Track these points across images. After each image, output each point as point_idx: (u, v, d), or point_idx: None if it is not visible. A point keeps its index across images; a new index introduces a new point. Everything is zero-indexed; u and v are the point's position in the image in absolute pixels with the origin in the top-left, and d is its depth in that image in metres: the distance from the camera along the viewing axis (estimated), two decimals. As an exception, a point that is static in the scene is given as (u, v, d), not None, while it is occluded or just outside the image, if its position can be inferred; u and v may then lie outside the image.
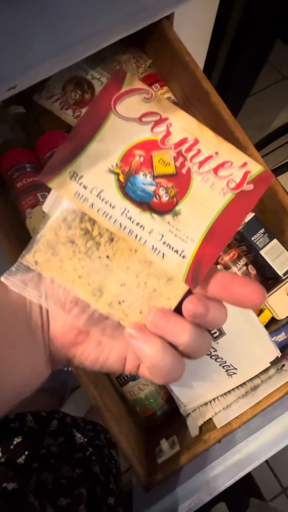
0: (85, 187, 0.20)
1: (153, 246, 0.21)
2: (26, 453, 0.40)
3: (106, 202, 0.20)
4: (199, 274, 0.20)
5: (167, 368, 0.19)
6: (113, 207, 0.21)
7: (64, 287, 0.21)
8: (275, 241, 0.45)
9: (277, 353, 0.40)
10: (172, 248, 0.21)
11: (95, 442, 0.49)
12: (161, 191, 0.21)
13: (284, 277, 0.44)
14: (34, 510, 0.35)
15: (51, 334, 0.22)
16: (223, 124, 0.42)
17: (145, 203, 0.21)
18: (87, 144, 0.21)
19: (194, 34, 0.48)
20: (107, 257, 0.21)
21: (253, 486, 0.77)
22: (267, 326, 0.44)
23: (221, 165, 0.21)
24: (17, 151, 0.43)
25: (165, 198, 0.21)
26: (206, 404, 0.39)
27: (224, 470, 0.35)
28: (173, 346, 0.19)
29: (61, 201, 0.20)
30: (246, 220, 0.44)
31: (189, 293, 0.20)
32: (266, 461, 1.02)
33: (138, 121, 0.21)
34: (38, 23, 0.34)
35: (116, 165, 0.20)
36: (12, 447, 0.40)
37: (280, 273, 0.44)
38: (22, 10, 0.33)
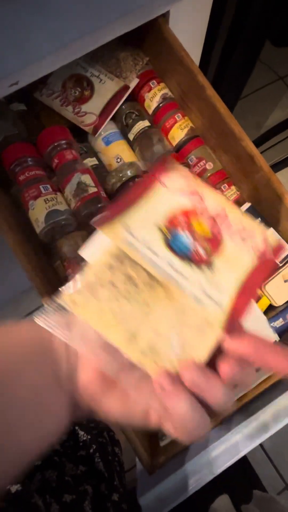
0: (135, 237, 0.23)
1: (193, 293, 0.23)
2: None
3: (153, 252, 0.23)
4: (235, 322, 0.22)
5: (196, 425, 0.18)
6: (159, 257, 0.23)
7: (98, 331, 0.20)
8: (271, 230, 0.46)
9: (275, 337, 0.41)
10: (210, 297, 0.23)
11: (99, 440, 0.49)
12: (198, 248, 0.24)
13: (281, 264, 0.45)
14: (38, 511, 0.35)
15: (78, 381, 0.20)
16: (218, 116, 0.43)
17: (186, 256, 0.24)
18: (138, 203, 0.25)
19: (189, 31, 0.50)
20: (146, 304, 0.23)
21: (256, 480, 0.77)
22: (265, 312, 0.45)
23: (248, 235, 0.25)
24: (19, 145, 0.44)
25: (201, 254, 0.24)
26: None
27: (225, 450, 0.36)
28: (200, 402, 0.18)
29: (105, 247, 0.23)
30: (244, 209, 0.45)
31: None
32: (269, 458, 1.02)
33: (180, 193, 0.26)
34: (38, 20, 0.35)
35: (163, 223, 0.24)
36: None
37: (277, 262, 0.45)
38: (22, 8, 0.35)
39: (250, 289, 0.24)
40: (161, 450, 0.36)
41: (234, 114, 0.43)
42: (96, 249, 0.23)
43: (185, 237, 0.24)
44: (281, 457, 1.03)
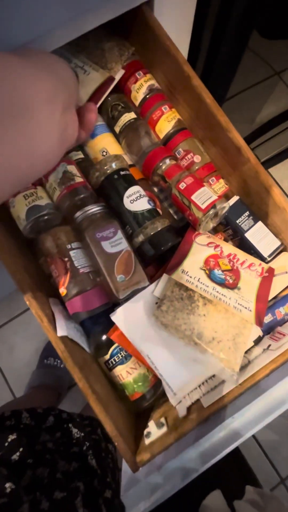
0: (190, 276, 0.40)
1: (234, 306, 0.39)
2: (21, 449, 0.40)
3: (202, 283, 0.39)
4: (261, 318, 0.38)
5: None
6: (207, 286, 0.39)
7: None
8: (259, 223, 0.45)
9: (259, 332, 0.40)
10: (243, 306, 0.39)
11: (92, 437, 0.49)
12: (228, 278, 0.41)
13: (269, 259, 0.44)
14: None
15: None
16: (205, 107, 0.42)
17: (223, 284, 0.40)
18: (186, 256, 0.42)
19: (175, 19, 0.49)
20: (204, 315, 0.39)
21: (250, 475, 0.77)
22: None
23: (250, 265, 0.43)
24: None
25: (230, 281, 0.41)
26: (195, 388, 0.39)
27: (211, 446, 0.35)
28: None
29: (172, 283, 0.41)
30: (231, 203, 0.45)
31: None
32: (264, 452, 1.02)
33: (206, 246, 0.44)
34: (13, 8, 0.34)
35: (203, 265, 0.41)
36: (6, 444, 0.40)
37: (265, 255, 0.44)
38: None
39: (263, 298, 0.41)
40: (145, 448, 0.36)
41: (229, 109, 0.42)
42: (166, 285, 0.41)
43: (218, 273, 0.41)
44: (277, 452, 1.03)
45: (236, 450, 0.80)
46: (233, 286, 0.40)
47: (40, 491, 0.37)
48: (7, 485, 0.35)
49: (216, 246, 0.43)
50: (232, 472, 0.72)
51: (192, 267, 0.40)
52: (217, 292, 0.39)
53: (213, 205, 0.39)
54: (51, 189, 0.41)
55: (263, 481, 0.85)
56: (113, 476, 0.47)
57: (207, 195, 0.39)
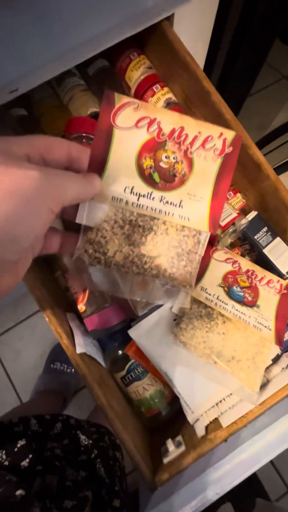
0: (209, 294, 0.39)
1: (253, 324, 0.38)
2: (30, 456, 0.39)
3: (222, 301, 0.39)
4: (281, 337, 0.38)
5: None
6: (226, 304, 0.39)
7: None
8: (278, 239, 0.44)
9: (277, 350, 0.40)
10: (263, 325, 0.38)
11: (100, 444, 0.49)
12: (247, 295, 0.40)
13: (287, 275, 0.44)
14: None
15: None
16: (224, 123, 0.42)
17: (242, 301, 0.40)
18: (204, 273, 0.42)
19: (193, 34, 0.49)
20: (223, 333, 0.38)
21: (259, 486, 0.76)
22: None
23: (269, 281, 0.41)
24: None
25: (249, 299, 0.40)
26: (213, 406, 0.39)
27: (231, 469, 0.35)
28: None
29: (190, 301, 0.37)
30: (249, 218, 0.44)
31: None
32: (271, 461, 1.01)
33: (224, 262, 0.42)
34: (38, 26, 0.34)
35: (222, 282, 0.40)
36: (16, 449, 0.40)
37: (284, 271, 0.44)
38: (22, 14, 0.34)
39: (282, 315, 0.40)
40: (164, 467, 0.36)
41: (237, 115, 0.42)
42: (184, 302, 0.34)
43: (237, 290, 0.40)
44: (284, 461, 1.02)
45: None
46: (252, 304, 0.40)
47: (49, 499, 0.37)
48: (18, 492, 0.34)
49: (234, 262, 0.42)
50: (242, 485, 0.72)
51: (210, 284, 0.40)
52: (236, 310, 0.39)
53: (232, 223, 0.39)
54: None
55: (270, 490, 0.84)
56: (121, 484, 0.46)
57: (226, 212, 0.39)
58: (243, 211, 0.48)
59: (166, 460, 0.36)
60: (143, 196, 0.28)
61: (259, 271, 0.43)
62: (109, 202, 0.27)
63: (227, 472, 0.35)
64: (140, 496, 0.39)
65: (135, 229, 0.28)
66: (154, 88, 0.49)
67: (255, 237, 0.44)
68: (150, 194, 0.28)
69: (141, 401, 0.41)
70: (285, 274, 0.44)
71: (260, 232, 0.44)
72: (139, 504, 0.38)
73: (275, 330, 0.38)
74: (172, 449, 0.36)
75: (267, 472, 1.00)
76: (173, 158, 0.28)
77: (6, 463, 0.38)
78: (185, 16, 0.44)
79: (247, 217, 0.43)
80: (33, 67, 0.35)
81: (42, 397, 0.96)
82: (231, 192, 0.48)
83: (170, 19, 0.42)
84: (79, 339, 0.38)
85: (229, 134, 0.29)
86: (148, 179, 0.28)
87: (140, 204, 0.28)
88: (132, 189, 0.27)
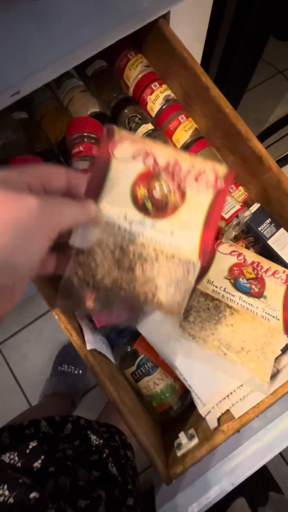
0: (216, 286, 0.39)
1: (261, 315, 0.38)
2: (42, 457, 0.39)
3: (229, 293, 0.38)
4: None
5: None
6: (233, 295, 0.38)
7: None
8: (282, 230, 0.45)
9: (287, 340, 0.40)
10: (271, 315, 0.38)
11: (111, 444, 0.49)
12: (253, 286, 0.40)
13: None
14: None
15: None
16: (224, 117, 0.43)
17: (249, 293, 0.39)
18: (210, 266, 0.41)
19: (190, 31, 0.49)
20: (232, 324, 0.38)
21: (271, 481, 0.76)
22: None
23: (274, 272, 0.41)
24: (24, 158, 0.43)
25: (256, 290, 0.40)
26: (224, 398, 0.39)
27: (245, 459, 0.35)
28: None
29: (198, 293, 0.39)
30: (252, 210, 0.45)
31: None
32: (282, 456, 1.01)
33: (229, 254, 0.42)
34: (38, 29, 0.35)
35: (228, 275, 0.40)
36: (28, 451, 0.40)
37: (289, 262, 0.44)
38: (21, 17, 0.34)
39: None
40: (178, 460, 0.36)
41: (237, 110, 0.42)
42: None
43: (243, 281, 0.40)
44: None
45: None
46: (259, 295, 0.40)
47: (63, 500, 0.37)
48: (32, 495, 0.35)
49: (239, 255, 0.43)
50: (256, 480, 0.72)
51: (216, 277, 0.40)
52: (244, 301, 0.39)
53: (236, 215, 0.39)
54: None
55: (283, 485, 0.84)
56: (134, 483, 0.46)
57: (230, 205, 0.39)
58: (246, 204, 0.48)
59: (179, 453, 0.36)
60: (136, 222, 0.28)
61: (265, 262, 0.43)
62: (103, 227, 0.28)
63: (241, 463, 0.35)
64: (155, 490, 0.39)
65: (126, 255, 0.28)
66: (152, 86, 0.49)
67: (259, 229, 0.44)
68: (143, 222, 0.28)
69: (152, 396, 0.41)
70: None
71: (264, 224, 0.45)
72: (155, 499, 0.38)
73: (284, 319, 0.38)
74: (185, 442, 0.37)
75: (279, 467, 1.00)
76: (166, 188, 0.29)
77: (19, 465, 0.38)
78: (181, 13, 0.44)
79: (250, 209, 0.43)
80: (34, 70, 0.35)
81: (50, 400, 0.96)
82: (233, 186, 0.48)
83: (166, 16, 0.43)
84: (88, 336, 0.39)
85: (221, 169, 0.30)
86: (141, 207, 0.28)
87: (132, 231, 0.28)
88: (125, 216, 0.28)
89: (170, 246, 0.29)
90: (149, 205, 0.29)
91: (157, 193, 0.29)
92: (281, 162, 1.08)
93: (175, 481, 0.34)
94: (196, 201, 0.29)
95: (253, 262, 0.43)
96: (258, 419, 0.35)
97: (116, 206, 0.29)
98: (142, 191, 0.29)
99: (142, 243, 0.29)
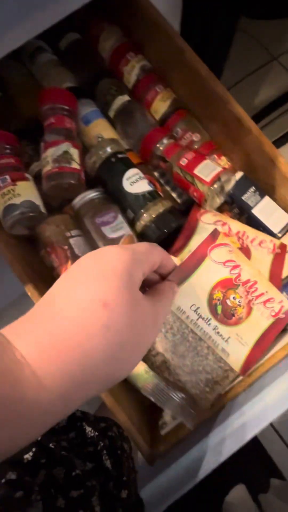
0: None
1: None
2: (34, 449, 0.38)
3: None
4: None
5: None
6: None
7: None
8: (267, 198, 0.42)
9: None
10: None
11: (108, 434, 0.47)
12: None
13: (280, 235, 0.42)
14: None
15: None
16: (201, 81, 0.40)
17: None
18: (191, 237, 0.38)
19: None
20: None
21: (273, 466, 0.74)
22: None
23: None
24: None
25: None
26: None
27: (231, 434, 0.33)
28: None
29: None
30: (237, 178, 0.42)
31: None
32: (284, 442, 0.98)
33: (213, 224, 0.40)
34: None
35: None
36: None
37: (276, 231, 0.42)
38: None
39: (276, 276, 0.37)
40: (162, 439, 0.34)
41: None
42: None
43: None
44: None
45: (258, 444, 0.77)
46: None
47: (55, 489, 0.36)
48: (17, 494, 0.33)
49: (224, 224, 0.41)
50: (256, 466, 0.69)
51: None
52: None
53: (218, 177, 0.37)
54: (45, 161, 0.39)
55: (286, 471, 0.82)
56: (129, 475, 0.45)
57: (210, 168, 0.37)
58: (230, 175, 0.46)
59: (163, 431, 0.34)
60: (202, 318, 0.33)
61: (251, 231, 0.41)
62: (175, 310, 0.32)
63: (227, 437, 0.33)
64: (138, 470, 0.37)
65: (184, 342, 0.33)
66: (128, 56, 0.47)
67: (243, 197, 0.42)
68: (208, 320, 0.33)
69: (135, 376, 0.40)
70: (277, 233, 0.42)
71: (248, 193, 0.42)
72: (137, 484, 0.36)
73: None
74: (169, 420, 0.35)
75: (282, 454, 0.97)
76: (239, 301, 0.34)
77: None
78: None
79: (234, 175, 0.41)
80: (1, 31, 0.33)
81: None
82: (215, 156, 0.46)
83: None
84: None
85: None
86: (212, 307, 0.33)
87: (197, 323, 0.33)
88: (197, 309, 0.33)
89: (222, 351, 0.33)
90: (219, 309, 0.33)
91: (229, 302, 0.33)
92: (276, 144, 1.06)
93: (159, 460, 0.32)
94: (257, 323, 0.33)
95: (238, 232, 0.41)
96: (244, 392, 0.33)
97: (192, 297, 0.33)
98: (218, 295, 0.33)
99: (200, 338, 0.33)
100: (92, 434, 0.47)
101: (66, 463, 0.40)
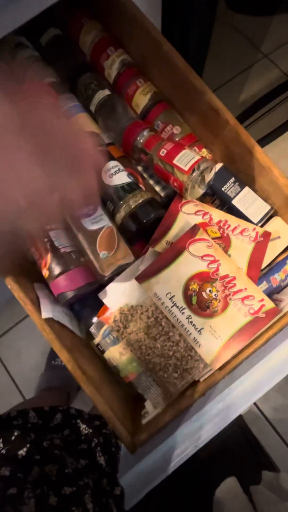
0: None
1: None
2: (28, 446, 0.38)
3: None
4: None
5: None
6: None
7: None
8: (246, 189, 0.43)
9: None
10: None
11: (102, 431, 0.48)
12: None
13: (259, 225, 0.42)
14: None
15: None
16: (178, 72, 0.41)
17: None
18: (171, 227, 0.38)
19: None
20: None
21: (267, 460, 0.74)
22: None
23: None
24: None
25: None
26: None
27: (208, 420, 0.33)
28: None
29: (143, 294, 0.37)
30: (216, 169, 0.43)
31: None
32: (279, 434, 0.98)
33: (194, 214, 0.40)
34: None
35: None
36: (13, 438, 0.39)
37: (255, 221, 0.42)
38: None
39: (256, 264, 0.37)
40: (143, 428, 0.34)
41: (222, 96, 0.40)
42: (124, 293, 0.37)
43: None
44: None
45: (251, 436, 0.77)
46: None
47: (47, 486, 0.36)
48: (10, 491, 0.33)
49: (205, 214, 0.41)
50: (249, 459, 0.70)
51: (176, 237, 0.38)
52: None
53: (196, 165, 0.37)
54: None
55: (279, 462, 0.82)
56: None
57: (189, 157, 0.38)
58: (211, 166, 0.46)
59: (144, 421, 0.35)
60: (177, 306, 0.34)
61: (233, 220, 0.41)
62: (152, 295, 0.34)
63: (205, 423, 0.33)
64: (120, 460, 0.37)
65: (156, 325, 0.34)
66: (108, 51, 0.47)
67: (223, 189, 0.43)
68: (182, 309, 0.34)
69: (118, 366, 0.40)
70: (257, 224, 0.42)
71: (228, 184, 0.43)
72: (118, 469, 0.36)
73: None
74: (151, 409, 0.35)
75: (275, 444, 0.98)
76: (215, 295, 0.34)
77: (3, 451, 0.38)
78: None
79: (213, 166, 0.42)
80: None
81: (45, 394, 0.95)
82: (195, 148, 0.46)
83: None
84: (46, 306, 0.37)
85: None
86: (187, 297, 0.34)
87: (171, 311, 0.34)
88: (172, 297, 0.34)
89: (193, 340, 0.33)
90: (194, 299, 0.34)
91: (205, 294, 0.34)
92: (261, 142, 1.06)
93: (140, 449, 0.33)
94: (233, 319, 0.34)
95: (219, 221, 0.41)
96: (221, 381, 0.33)
97: (169, 285, 0.34)
98: (194, 286, 0.34)
99: (173, 325, 0.34)
100: (87, 432, 0.47)
101: (59, 460, 0.40)
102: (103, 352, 0.40)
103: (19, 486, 0.34)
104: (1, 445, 0.38)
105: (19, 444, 0.38)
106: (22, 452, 0.38)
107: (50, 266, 0.37)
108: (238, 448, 0.42)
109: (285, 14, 1.21)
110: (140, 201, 0.39)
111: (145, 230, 0.41)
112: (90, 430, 0.47)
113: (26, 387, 1.04)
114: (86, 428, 0.47)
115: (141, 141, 0.44)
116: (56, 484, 0.37)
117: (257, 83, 1.29)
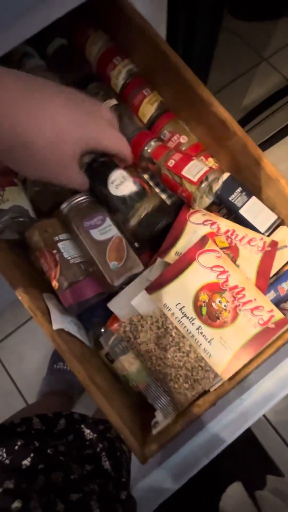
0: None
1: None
2: (32, 455, 0.38)
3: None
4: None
5: None
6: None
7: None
8: (253, 198, 0.43)
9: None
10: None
11: (107, 435, 0.48)
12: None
13: (266, 234, 0.43)
14: None
15: None
16: (185, 84, 0.41)
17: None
18: (179, 237, 0.38)
19: (150, 3, 0.48)
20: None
21: (271, 465, 0.74)
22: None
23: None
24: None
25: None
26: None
27: (220, 431, 0.34)
28: None
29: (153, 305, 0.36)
30: (224, 179, 0.43)
31: None
32: (282, 438, 0.99)
33: (202, 224, 0.40)
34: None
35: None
36: (16, 447, 0.39)
37: (262, 230, 0.43)
38: None
39: (264, 274, 0.37)
40: (153, 438, 0.34)
41: (222, 100, 0.40)
42: (149, 304, 0.36)
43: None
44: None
45: (255, 441, 0.78)
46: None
47: (54, 494, 0.36)
48: (14, 505, 0.33)
49: (213, 224, 0.41)
50: (253, 463, 0.70)
51: (185, 249, 0.38)
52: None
53: (205, 177, 0.38)
54: None
55: (283, 467, 0.82)
56: (128, 476, 0.45)
57: (197, 168, 0.38)
58: (217, 175, 0.46)
59: (155, 431, 0.35)
60: (187, 317, 0.34)
61: (241, 230, 0.41)
62: (162, 306, 0.35)
63: (217, 434, 0.34)
64: (132, 470, 0.37)
65: (166, 336, 0.34)
66: (114, 60, 0.48)
67: (230, 198, 0.43)
68: (192, 319, 0.34)
69: (127, 376, 0.40)
70: (264, 233, 0.42)
71: (235, 193, 0.43)
72: (131, 478, 0.37)
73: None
74: (161, 419, 0.35)
75: (279, 449, 0.98)
76: (224, 305, 0.35)
77: (7, 462, 0.37)
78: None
79: (221, 176, 0.42)
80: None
81: (47, 398, 0.95)
82: (202, 157, 0.46)
83: (120, -16, 0.42)
84: (56, 316, 0.37)
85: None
86: (197, 308, 0.34)
87: (181, 321, 0.34)
88: (182, 308, 0.34)
89: (204, 351, 0.33)
90: (204, 310, 0.34)
91: (215, 305, 0.34)
92: (263, 145, 1.07)
93: (151, 459, 0.33)
94: (243, 329, 0.34)
95: (227, 231, 0.41)
96: (233, 389, 0.34)
97: (178, 296, 0.34)
98: (204, 297, 0.35)
99: (183, 336, 0.34)
100: (91, 437, 0.47)
101: (64, 467, 0.40)
102: (112, 361, 0.41)
103: (24, 498, 0.34)
104: (5, 455, 0.38)
105: (23, 454, 0.38)
106: (26, 462, 0.38)
107: (60, 278, 0.38)
108: (242, 452, 0.42)
109: (286, 18, 1.22)
110: (149, 209, 0.40)
111: (156, 236, 0.41)
112: (95, 435, 0.47)
113: (28, 391, 1.04)
114: (91, 433, 0.47)
115: (148, 150, 0.44)
116: (63, 490, 0.37)
117: (258, 88, 1.29)
